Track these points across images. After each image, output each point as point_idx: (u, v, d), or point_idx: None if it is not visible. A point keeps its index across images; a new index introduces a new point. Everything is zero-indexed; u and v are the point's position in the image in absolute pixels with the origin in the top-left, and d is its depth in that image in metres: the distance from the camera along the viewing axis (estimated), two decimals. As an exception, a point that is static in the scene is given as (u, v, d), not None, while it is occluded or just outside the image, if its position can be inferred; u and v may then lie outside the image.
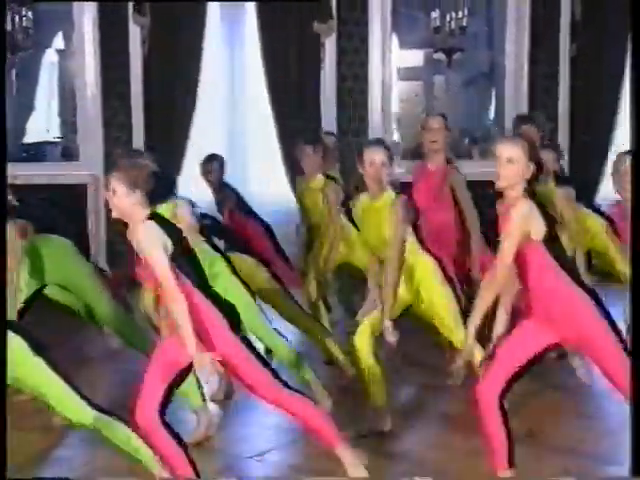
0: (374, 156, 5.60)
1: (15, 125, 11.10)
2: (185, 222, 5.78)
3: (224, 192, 8.41)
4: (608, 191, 8.31)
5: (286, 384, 4.92)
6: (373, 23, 10.67)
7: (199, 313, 4.60)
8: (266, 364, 4.93)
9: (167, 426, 4.68)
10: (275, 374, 4.91)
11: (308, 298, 7.61)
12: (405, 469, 5.31)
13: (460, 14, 10.77)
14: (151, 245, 4.49)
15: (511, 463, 4.57)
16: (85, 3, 10.45)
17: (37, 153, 11.22)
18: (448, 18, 10.79)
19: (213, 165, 8.30)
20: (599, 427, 5.84)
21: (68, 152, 11.16)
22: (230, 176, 10.51)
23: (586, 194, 8.87)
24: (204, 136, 10.81)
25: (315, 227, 7.72)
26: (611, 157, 10.19)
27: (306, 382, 6.26)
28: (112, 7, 10.46)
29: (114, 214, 4.63)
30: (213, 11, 10.73)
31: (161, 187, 5.82)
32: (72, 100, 10.96)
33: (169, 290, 4.53)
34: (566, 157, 10.38)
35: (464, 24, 10.81)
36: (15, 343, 4.76)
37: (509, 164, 4.42)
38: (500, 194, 4.54)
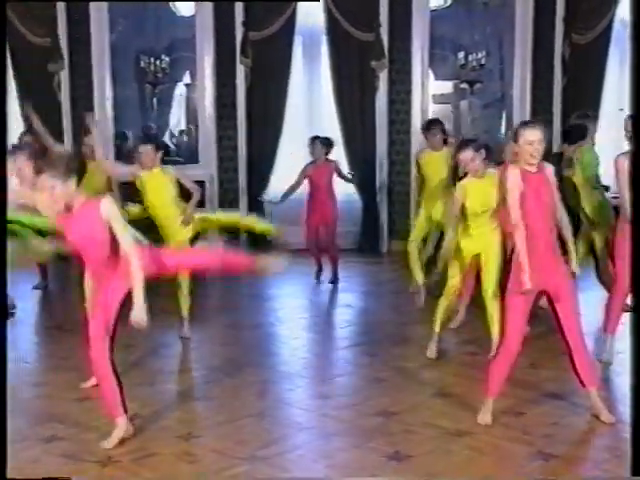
0: None
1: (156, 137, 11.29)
2: None
3: None
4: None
5: None
6: (415, 61, 10.71)
7: None
8: None
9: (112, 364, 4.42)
10: None
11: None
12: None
13: (480, 55, 10.76)
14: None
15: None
16: (205, 50, 10.57)
17: (170, 158, 10.80)
18: (471, 58, 10.76)
19: None
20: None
21: (192, 157, 11.20)
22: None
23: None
24: (291, 144, 10.76)
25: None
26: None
27: None
28: (225, 52, 10.56)
29: None
30: (297, 53, 10.78)
31: None
32: (195, 119, 11.08)
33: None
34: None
35: (483, 62, 10.78)
36: None
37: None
38: None
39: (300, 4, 10.46)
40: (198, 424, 4.93)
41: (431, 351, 6.11)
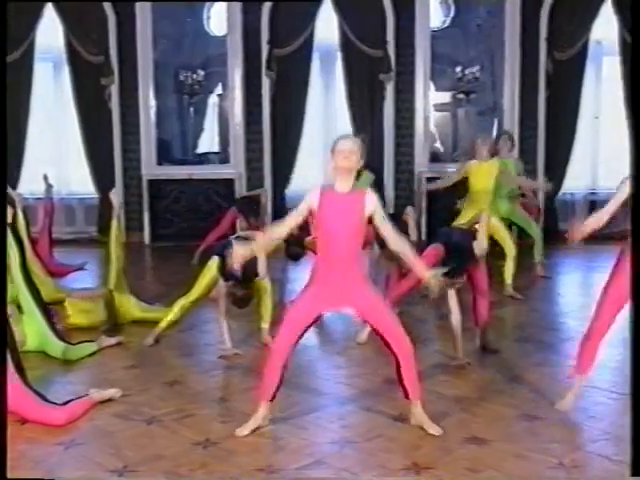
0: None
1: (192, 142, 11.24)
2: None
3: None
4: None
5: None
6: (418, 74, 10.66)
7: None
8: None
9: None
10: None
11: None
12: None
13: (474, 69, 10.71)
14: None
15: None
16: (235, 65, 10.53)
17: (205, 159, 11.26)
18: (466, 71, 10.72)
19: None
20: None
21: (223, 158, 11.20)
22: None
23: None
24: (309, 145, 10.85)
25: None
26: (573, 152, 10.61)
27: None
28: (252, 67, 10.57)
29: None
30: (315, 67, 10.77)
31: None
32: (226, 126, 11.02)
33: None
34: (541, 156, 10.58)
35: (477, 75, 10.73)
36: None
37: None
38: None
39: (318, 26, 10.54)
40: (229, 390, 4.96)
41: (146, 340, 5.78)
